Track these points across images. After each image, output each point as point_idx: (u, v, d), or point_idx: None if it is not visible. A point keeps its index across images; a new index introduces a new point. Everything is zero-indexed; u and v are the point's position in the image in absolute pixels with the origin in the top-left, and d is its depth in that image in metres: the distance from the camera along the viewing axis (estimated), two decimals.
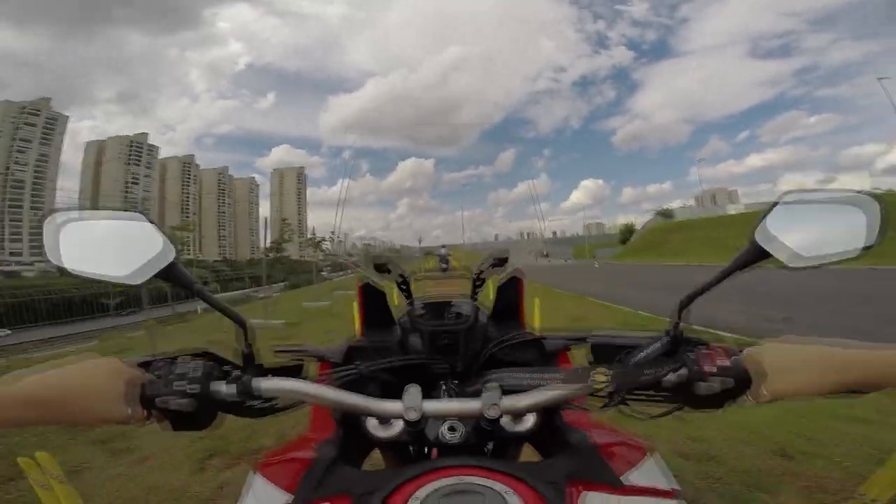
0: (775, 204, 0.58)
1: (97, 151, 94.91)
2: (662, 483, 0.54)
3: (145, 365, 0.54)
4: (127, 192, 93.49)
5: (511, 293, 0.91)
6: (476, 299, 0.94)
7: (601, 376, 0.55)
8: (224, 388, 0.54)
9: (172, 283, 0.56)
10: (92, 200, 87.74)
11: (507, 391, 0.55)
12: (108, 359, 0.51)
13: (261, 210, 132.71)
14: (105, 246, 0.55)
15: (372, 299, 0.88)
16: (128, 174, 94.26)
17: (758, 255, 0.56)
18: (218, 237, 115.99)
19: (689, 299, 0.59)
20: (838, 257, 0.56)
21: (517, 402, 0.54)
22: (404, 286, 0.95)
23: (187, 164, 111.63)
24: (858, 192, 0.57)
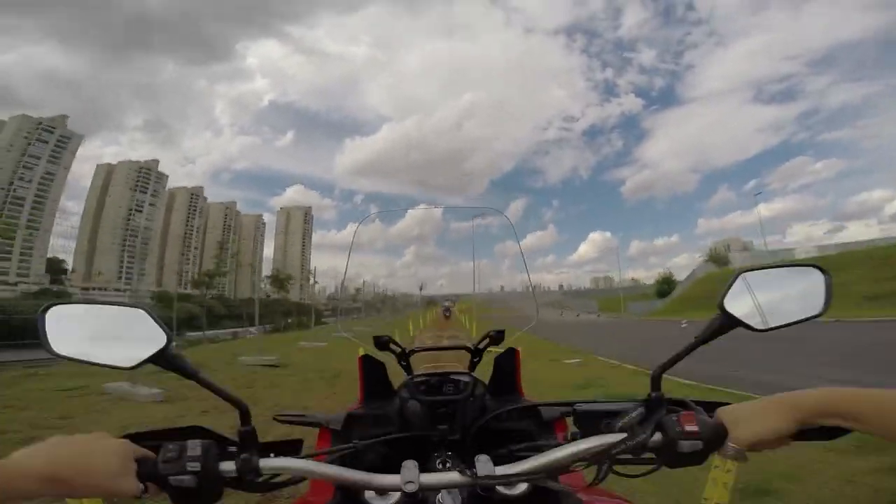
0: (737, 276, 0.65)
1: (105, 175, 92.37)
2: None
3: (147, 439, 0.58)
4: (129, 219, 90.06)
5: (508, 365, 0.96)
6: (474, 372, 0.97)
7: (586, 444, 0.60)
8: (225, 466, 0.57)
9: (165, 367, 0.59)
10: (93, 224, 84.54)
11: (499, 460, 0.61)
12: (102, 436, 0.53)
13: (267, 249, 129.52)
14: (98, 334, 0.59)
15: (372, 370, 0.94)
16: (132, 201, 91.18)
17: (727, 322, 0.63)
18: (219, 274, 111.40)
19: (664, 368, 0.65)
20: (797, 320, 0.65)
21: (510, 471, 0.59)
22: (403, 359, 0.97)
23: (195, 195, 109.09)
24: (806, 264, 0.68)
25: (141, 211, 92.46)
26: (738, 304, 0.64)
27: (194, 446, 0.55)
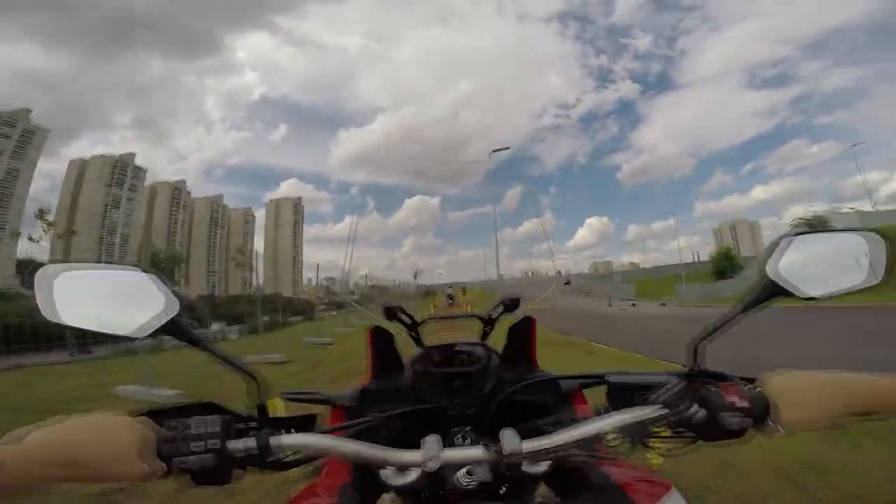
0: (782, 238, 0.60)
1: (79, 170, 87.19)
2: None
3: (156, 417, 0.55)
4: (105, 215, 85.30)
5: (523, 335, 0.91)
6: (487, 342, 0.92)
7: (621, 417, 0.57)
8: (243, 445, 0.54)
9: (177, 337, 0.56)
10: (67, 222, 79.86)
11: (524, 435, 0.57)
12: (119, 415, 0.51)
13: (258, 243, 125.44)
14: (103, 300, 0.55)
15: (381, 343, 0.89)
16: (108, 196, 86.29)
17: (771, 291, 0.58)
18: (207, 270, 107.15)
19: (702, 339, 0.59)
20: (849, 290, 0.60)
21: (538, 446, 0.56)
22: (413, 330, 0.93)
23: (177, 189, 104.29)
24: (864, 228, 0.62)
25: (118, 207, 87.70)
26: (785, 269, 0.58)
27: (213, 423, 0.53)
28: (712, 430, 0.56)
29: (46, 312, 0.52)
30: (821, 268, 0.58)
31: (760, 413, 0.55)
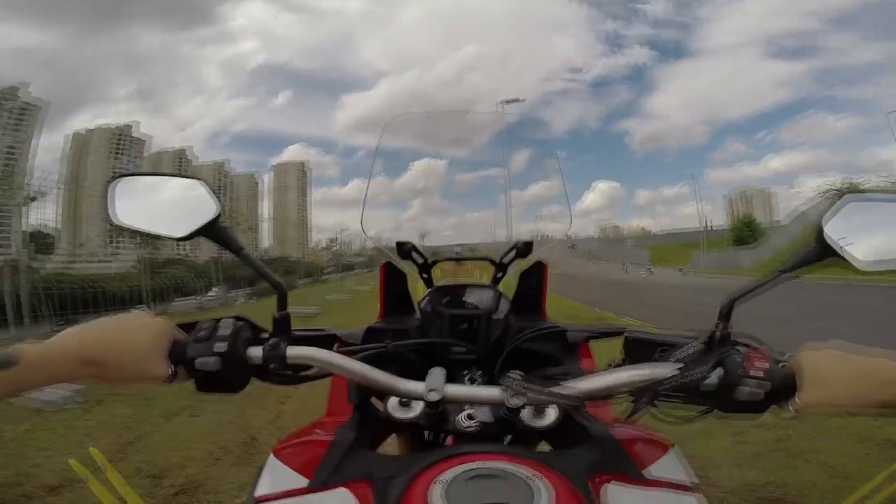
0: (839, 201, 0.56)
1: (80, 143, 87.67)
2: (683, 477, 0.55)
3: (188, 327, 0.56)
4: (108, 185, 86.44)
5: (534, 281, 0.89)
6: (498, 286, 0.92)
7: (632, 373, 0.54)
8: (252, 351, 0.55)
9: (213, 240, 0.59)
10: (70, 193, 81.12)
11: (531, 382, 0.55)
12: (153, 317, 0.53)
13: (266, 208, 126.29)
14: (156, 204, 0.61)
15: (393, 281, 0.89)
16: (110, 167, 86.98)
17: (822, 253, 0.54)
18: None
19: (736, 299, 0.56)
20: None
21: (541, 394, 0.54)
22: (425, 271, 0.94)
23: (181, 157, 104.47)
24: None
25: None
26: (840, 232, 0.53)
27: (226, 325, 0.54)
28: (726, 399, 0.52)
29: (109, 216, 0.58)
30: (880, 234, 0.55)
31: (781, 388, 0.50)
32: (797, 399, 0.49)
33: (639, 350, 0.62)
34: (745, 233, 41.28)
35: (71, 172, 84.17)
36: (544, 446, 0.68)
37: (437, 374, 0.57)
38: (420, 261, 0.92)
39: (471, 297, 0.83)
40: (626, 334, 0.65)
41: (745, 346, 0.55)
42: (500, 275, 0.94)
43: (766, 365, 0.51)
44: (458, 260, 1.06)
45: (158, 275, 24.15)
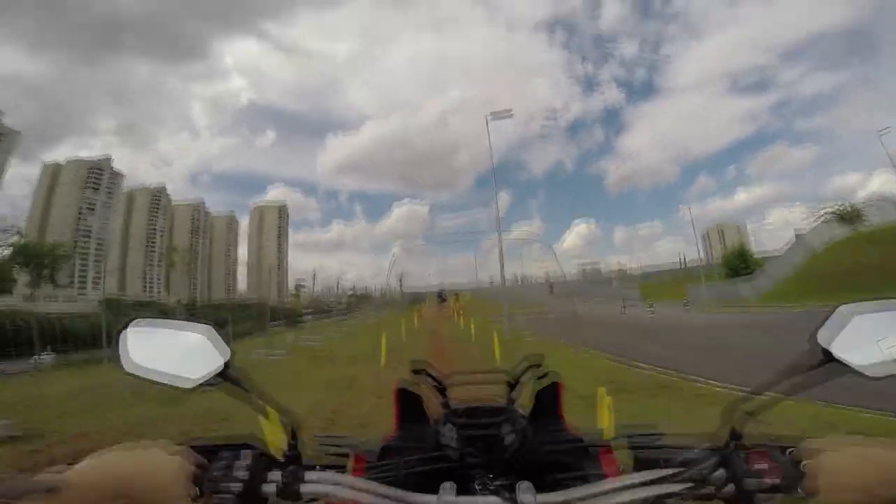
0: (839, 307, 0.55)
1: (52, 174, 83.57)
2: None
3: (203, 450, 0.60)
4: (79, 220, 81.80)
5: (550, 397, 0.92)
6: (514, 404, 0.94)
7: (643, 488, 0.55)
8: (267, 488, 0.59)
9: (227, 384, 0.61)
10: (40, 227, 76.21)
11: (542, 488, 0.58)
12: (167, 445, 0.56)
13: (241, 250, 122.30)
14: (168, 352, 0.61)
15: (407, 401, 0.92)
16: (82, 200, 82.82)
17: (823, 359, 0.53)
18: (189, 277, 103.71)
19: (740, 407, 0.56)
20: None
21: (552, 500, 0.56)
22: (440, 389, 0.96)
23: (157, 195, 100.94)
24: None
25: (93, 211, 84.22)
26: (839, 342, 0.52)
27: (245, 457, 0.59)
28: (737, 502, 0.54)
29: (122, 362, 0.59)
30: (879, 340, 0.53)
31: (792, 482, 0.51)
32: (808, 492, 0.49)
33: (647, 457, 0.63)
34: (738, 264, 39.67)
35: (35, 205, 79.58)
36: None
37: (447, 487, 0.60)
38: (434, 381, 0.94)
39: (486, 416, 0.83)
40: (630, 440, 0.68)
41: (754, 446, 0.56)
42: (513, 394, 0.94)
43: (773, 462, 0.53)
44: (470, 379, 1.05)
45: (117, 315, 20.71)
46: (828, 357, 0.52)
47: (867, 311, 0.55)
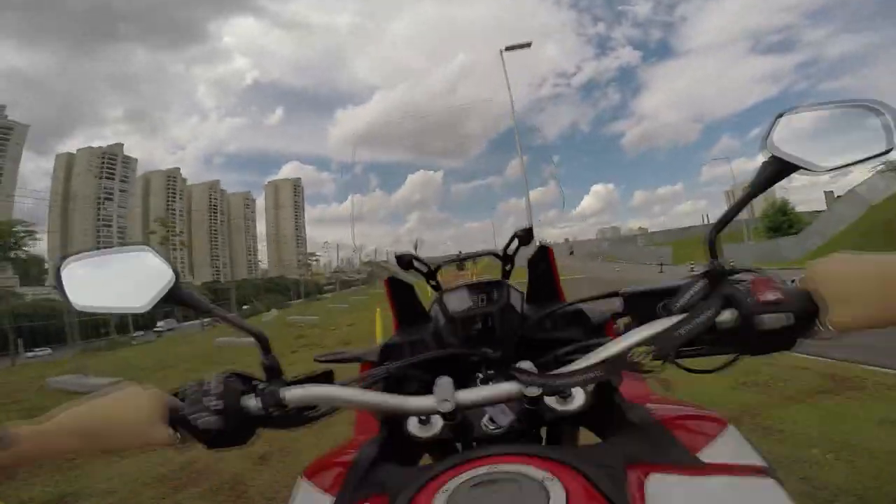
0: (779, 116, 0.54)
1: (66, 165, 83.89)
2: (748, 459, 0.47)
3: (180, 392, 0.57)
4: (99, 208, 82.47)
5: (542, 267, 0.88)
6: (508, 279, 0.90)
7: (639, 333, 0.50)
8: (251, 402, 0.54)
9: (179, 304, 0.59)
10: (61, 217, 77.22)
11: (544, 368, 0.53)
12: (144, 388, 0.53)
13: (260, 227, 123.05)
14: (109, 280, 0.59)
15: (401, 294, 0.88)
16: (100, 189, 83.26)
17: (779, 168, 0.52)
18: (210, 257, 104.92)
19: (719, 228, 0.54)
20: (863, 159, 0.53)
21: (552, 376, 0.51)
22: (431, 277, 0.93)
23: (172, 177, 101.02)
24: (865, 99, 0.54)
25: (111, 198, 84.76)
26: (788, 145, 0.52)
27: (217, 384, 0.53)
28: (752, 339, 0.48)
29: (66, 300, 0.56)
30: (827, 140, 0.54)
31: (804, 313, 0.45)
32: (827, 320, 0.44)
33: (641, 308, 0.58)
34: (782, 221, 36.80)
35: (53, 197, 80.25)
36: (588, 434, 0.65)
37: (443, 383, 0.53)
38: (423, 269, 0.90)
39: (480, 295, 0.77)
40: (621, 293, 0.62)
41: (749, 271, 0.53)
42: (507, 267, 0.91)
43: (778, 290, 0.47)
44: (462, 260, 1.00)
45: None
46: (781, 163, 0.51)
47: (806, 114, 0.55)
